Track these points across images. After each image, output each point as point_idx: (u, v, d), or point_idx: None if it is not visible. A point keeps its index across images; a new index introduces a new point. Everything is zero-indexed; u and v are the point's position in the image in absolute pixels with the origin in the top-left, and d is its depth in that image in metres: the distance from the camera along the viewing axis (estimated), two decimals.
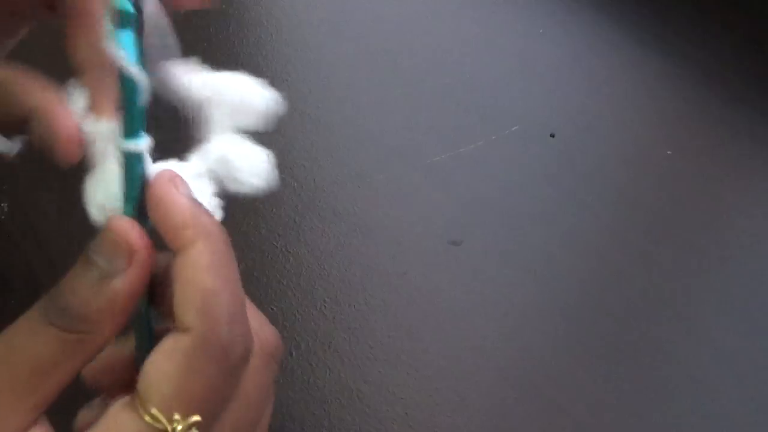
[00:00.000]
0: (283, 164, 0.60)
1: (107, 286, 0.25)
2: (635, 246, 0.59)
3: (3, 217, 0.55)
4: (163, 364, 0.24)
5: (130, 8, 0.25)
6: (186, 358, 0.24)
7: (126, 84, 0.25)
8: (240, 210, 0.57)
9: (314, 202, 0.58)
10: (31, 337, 0.25)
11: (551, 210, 0.60)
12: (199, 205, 0.27)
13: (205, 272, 0.25)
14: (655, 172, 0.64)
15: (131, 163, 0.26)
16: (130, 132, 0.26)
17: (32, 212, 0.56)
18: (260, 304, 0.52)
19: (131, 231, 0.26)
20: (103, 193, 0.27)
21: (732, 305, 0.56)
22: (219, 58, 0.64)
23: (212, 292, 0.25)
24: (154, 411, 0.24)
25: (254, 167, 0.30)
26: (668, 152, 0.65)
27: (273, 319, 0.51)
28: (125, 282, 0.25)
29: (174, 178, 0.27)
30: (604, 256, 0.58)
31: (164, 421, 0.24)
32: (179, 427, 0.24)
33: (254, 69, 0.65)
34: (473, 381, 0.50)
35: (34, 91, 0.29)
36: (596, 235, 0.59)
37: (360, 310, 0.52)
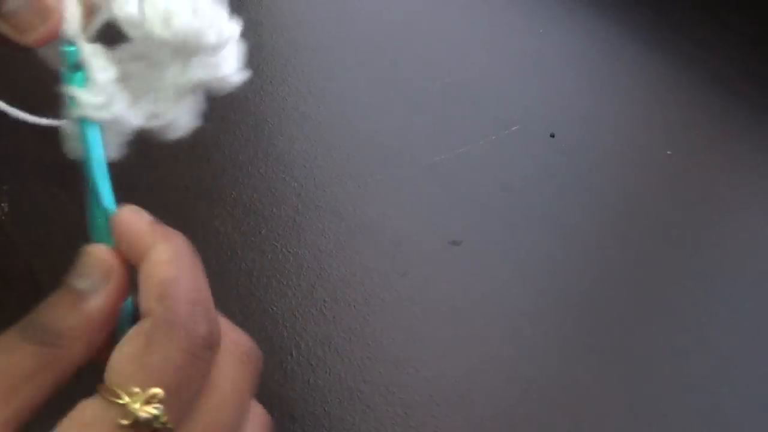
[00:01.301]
0: (283, 164, 0.60)
1: (83, 303, 0.26)
2: (635, 246, 0.59)
3: (3, 217, 0.55)
4: (125, 348, 0.25)
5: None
6: (145, 338, 0.25)
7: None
8: (240, 210, 0.57)
9: (314, 202, 0.58)
10: (8, 353, 0.26)
11: (551, 210, 0.60)
12: (159, 222, 0.29)
13: (164, 264, 0.26)
14: (655, 172, 0.64)
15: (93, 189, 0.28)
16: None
17: (32, 212, 0.56)
18: (260, 304, 0.52)
19: (106, 253, 0.27)
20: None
21: (732, 305, 0.56)
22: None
23: (171, 279, 0.26)
24: (113, 388, 0.24)
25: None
26: (668, 152, 0.65)
27: (273, 319, 0.51)
28: (100, 299, 0.26)
29: (134, 209, 0.28)
30: (604, 256, 0.58)
31: (123, 394, 0.24)
32: (138, 400, 0.24)
33: (254, 69, 0.66)
34: (473, 381, 0.50)
35: None
36: (596, 235, 0.59)
37: (360, 310, 0.52)
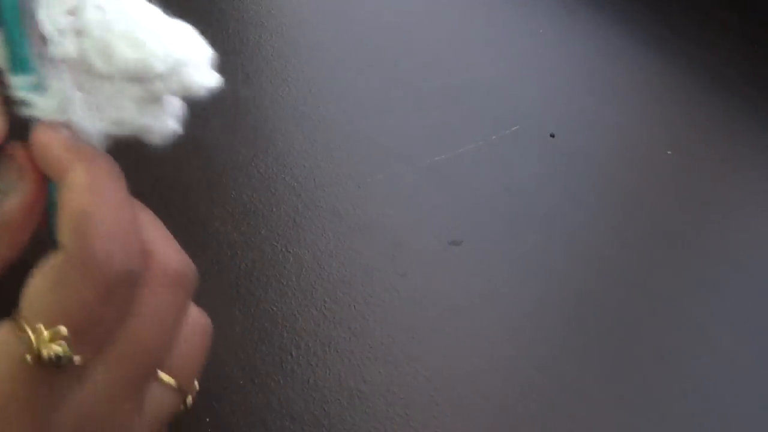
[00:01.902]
0: (283, 164, 0.60)
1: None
2: (635, 246, 0.59)
3: None
4: (38, 280, 0.25)
5: None
6: (56, 273, 0.24)
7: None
8: (240, 210, 0.57)
9: (314, 202, 0.58)
10: None
11: (551, 210, 0.60)
12: (80, 138, 0.28)
13: (80, 192, 0.25)
14: (655, 172, 0.64)
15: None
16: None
17: None
18: (260, 304, 0.52)
19: (19, 150, 0.26)
20: None
21: (732, 305, 0.56)
22: (219, 58, 0.64)
23: (86, 210, 0.25)
24: (20, 320, 0.24)
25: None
26: (668, 152, 0.65)
27: (273, 319, 0.51)
28: (16, 199, 0.26)
29: (54, 124, 0.27)
30: (604, 256, 0.58)
31: (28, 329, 0.24)
32: (42, 338, 0.24)
33: (254, 69, 0.66)
34: (473, 381, 0.50)
35: None
36: (596, 235, 0.59)
37: (360, 310, 0.52)
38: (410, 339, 0.52)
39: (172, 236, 0.29)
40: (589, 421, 0.49)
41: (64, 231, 0.25)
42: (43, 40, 0.26)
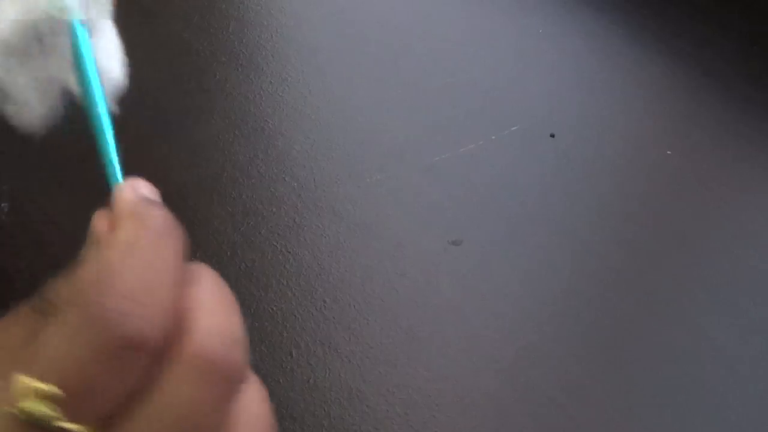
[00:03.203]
0: (283, 164, 0.60)
1: None
2: (635, 246, 0.59)
3: (3, 217, 0.55)
4: (51, 332, 0.23)
5: None
6: (65, 327, 0.22)
7: None
8: (240, 210, 0.57)
9: (314, 202, 0.58)
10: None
11: (551, 210, 0.60)
12: (147, 197, 0.26)
13: (115, 248, 0.23)
14: (654, 172, 0.64)
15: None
16: None
17: (33, 212, 0.56)
18: (260, 304, 0.52)
19: (101, 222, 0.26)
20: None
21: (732, 305, 0.56)
22: (219, 58, 0.64)
23: (111, 264, 0.23)
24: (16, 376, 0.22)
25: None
26: (668, 152, 0.65)
27: (273, 319, 0.51)
28: None
29: (135, 185, 0.27)
30: (604, 256, 0.58)
31: (17, 383, 0.22)
32: (27, 394, 0.21)
33: (254, 69, 0.66)
34: (473, 381, 0.50)
35: None
36: (596, 235, 0.59)
37: (360, 310, 0.52)
38: (410, 339, 0.52)
39: (235, 320, 0.27)
40: (590, 421, 0.49)
41: (87, 284, 0.23)
42: None
